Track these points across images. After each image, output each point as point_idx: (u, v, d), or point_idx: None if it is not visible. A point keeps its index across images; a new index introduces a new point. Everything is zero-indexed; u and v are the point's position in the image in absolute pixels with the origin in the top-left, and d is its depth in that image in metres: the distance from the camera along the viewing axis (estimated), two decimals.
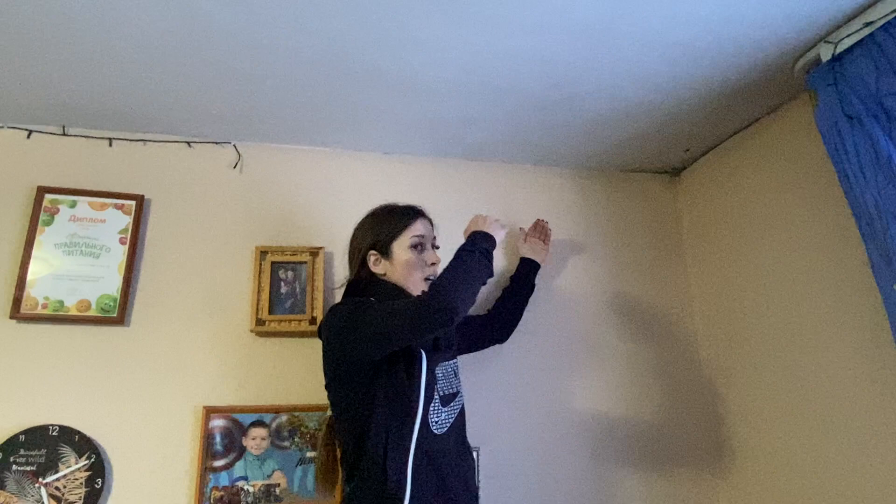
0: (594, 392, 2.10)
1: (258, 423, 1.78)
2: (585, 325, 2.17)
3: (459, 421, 1.46)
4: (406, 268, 1.46)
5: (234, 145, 2.04)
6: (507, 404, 2.00)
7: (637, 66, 1.65)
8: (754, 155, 1.98)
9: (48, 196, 1.83)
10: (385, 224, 1.51)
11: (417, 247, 1.48)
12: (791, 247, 1.81)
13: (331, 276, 1.98)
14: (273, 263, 1.91)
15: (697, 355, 2.22)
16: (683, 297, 2.29)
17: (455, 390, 1.47)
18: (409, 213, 1.52)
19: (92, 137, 1.93)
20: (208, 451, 1.73)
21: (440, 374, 1.43)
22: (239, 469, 1.74)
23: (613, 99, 1.82)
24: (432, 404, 1.37)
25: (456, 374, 1.50)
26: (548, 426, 2.02)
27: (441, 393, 1.41)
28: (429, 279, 1.47)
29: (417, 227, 1.49)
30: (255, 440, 1.77)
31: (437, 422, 1.37)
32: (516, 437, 1.98)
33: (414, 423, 1.32)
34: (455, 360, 1.52)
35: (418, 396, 1.34)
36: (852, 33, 1.43)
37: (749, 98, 1.83)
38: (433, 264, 1.49)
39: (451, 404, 1.44)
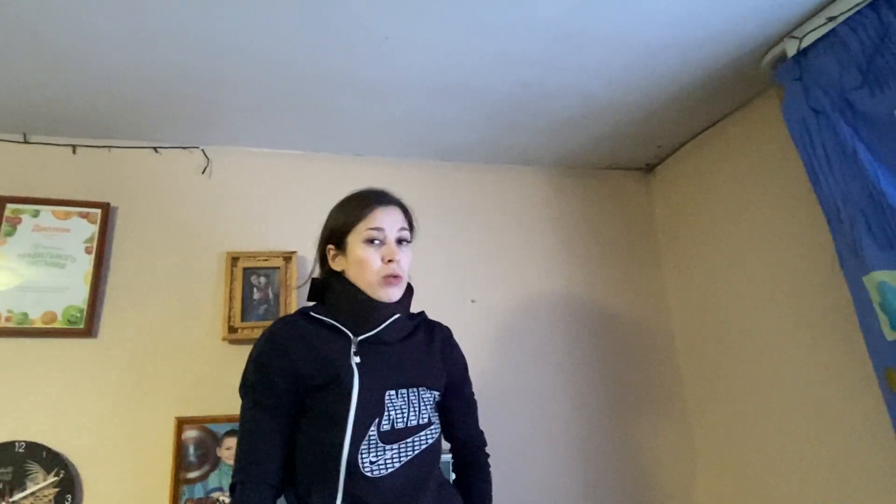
0: (569, 386, 2.10)
1: (233, 433, 1.75)
2: (561, 321, 2.17)
3: (421, 460, 1.18)
4: (358, 265, 1.22)
5: (203, 150, 2.00)
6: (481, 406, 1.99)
7: (606, 65, 1.65)
8: (726, 149, 2.00)
9: (10, 206, 1.78)
10: (342, 214, 1.28)
11: (374, 241, 1.22)
12: (763, 238, 1.83)
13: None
14: (245, 269, 1.88)
15: (673, 347, 2.24)
16: (658, 291, 2.31)
17: (416, 423, 1.19)
18: (369, 201, 1.27)
19: (54, 145, 1.88)
20: (182, 463, 1.69)
21: (389, 403, 1.17)
22: (214, 480, 1.71)
23: (584, 97, 1.82)
24: (364, 442, 1.12)
25: (423, 404, 1.22)
26: (524, 424, 2.02)
27: (384, 427, 1.15)
28: (388, 278, 1.22)
29: (376, 218, 1.24)
30: (230, 450, 1.73)
31: (372, 462, 1.12)
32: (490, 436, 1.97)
33: (338, 464, 1.10)
34: (419, 389, 1.23)
35: (343, 430, 1.11)
36: (816, 28, 1.44)
37: (719, 93, 1.84)
38: (390, 261, 1.22)
39: (405, 441, 1.17)
